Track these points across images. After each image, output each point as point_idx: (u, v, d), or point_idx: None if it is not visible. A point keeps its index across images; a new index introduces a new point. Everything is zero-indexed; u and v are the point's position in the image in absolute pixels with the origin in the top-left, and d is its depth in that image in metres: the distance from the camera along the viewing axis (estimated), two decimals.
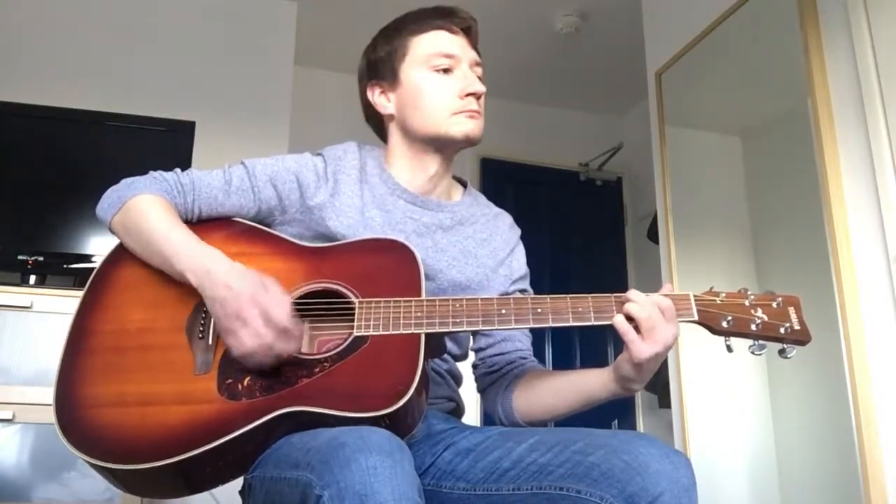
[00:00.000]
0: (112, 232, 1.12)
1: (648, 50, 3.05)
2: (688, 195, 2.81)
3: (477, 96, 1.18)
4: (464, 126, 1.17)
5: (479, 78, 1.21)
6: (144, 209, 1.08)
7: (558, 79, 4.12)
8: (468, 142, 1.18)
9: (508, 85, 4.03)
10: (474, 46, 1.23)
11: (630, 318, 1.00)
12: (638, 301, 1.00)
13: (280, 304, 0.96)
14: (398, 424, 0.92)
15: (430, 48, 1.19)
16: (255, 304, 0.95)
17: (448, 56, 1.18)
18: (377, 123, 1.28)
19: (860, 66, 2.01)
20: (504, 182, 4.09)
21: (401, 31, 1.21)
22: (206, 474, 0.97)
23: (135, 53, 3.06)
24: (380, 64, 1.22)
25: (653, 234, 3.25)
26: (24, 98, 2.58)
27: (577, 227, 4.31)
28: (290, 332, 0.96)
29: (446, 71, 1.18)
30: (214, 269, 1.00)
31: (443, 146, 1.20)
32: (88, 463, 0.93)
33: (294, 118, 3.29)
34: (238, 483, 1.03)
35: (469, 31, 1.22)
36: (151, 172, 1.15)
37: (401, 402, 0.91)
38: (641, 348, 0.98)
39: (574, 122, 4.48)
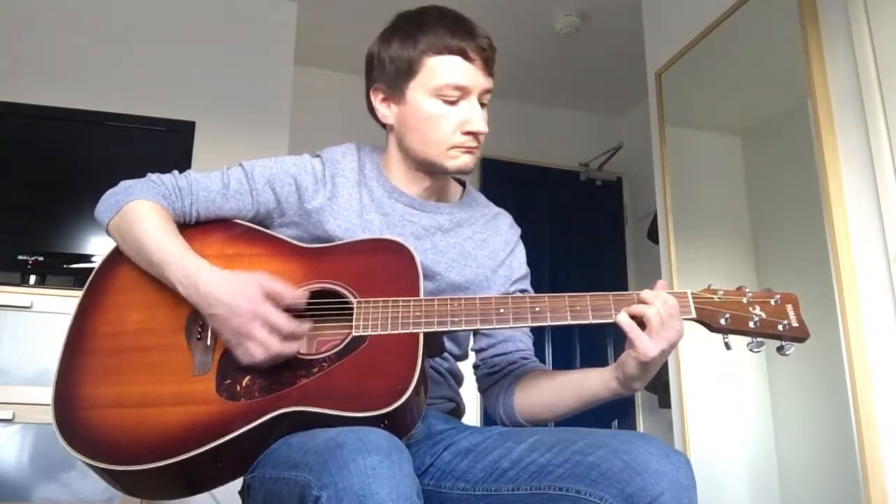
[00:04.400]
0: (109, 235, 1.13)
1: (648, 50, 3.05)
2: (688, 195, 2.81)
3: (477, 135, 1.15)
4: (458, 161, 1.15)
5: (485, 105, 1.16)
6: (139, 215, 1.08)
7: (558, 79, 4.12)
8: (460, 174, 1.18)
9: (508, 85, 4.03)
10: (489, 71, 1.16)
11: (633, 315, 1.00)
12: (647, 299, 1.00)
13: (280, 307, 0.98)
14: (397, 423, 0.92)
15: (442, 77, 1.12)
16: (255, 317, 0.96)
17: (458, 88, 1.12)
18: (378, 119, 1.26)
19: (860, 66, 2.01)
20: (504, 182, 4.09)
21: (416, 41, 1.13)
22: (205, 475, 0.97)
23: (135, 53, 3.06)
24: (387, 68, 1.16)
25: (653, 234, 3.25)
26: (24, 98, 2.58)
27: (577, 227, 4.31)
28: (294, 334, 0.97)
29: (454, 102, 1.13)
30: (204, 286, 1.00)
31: (434, 171, 1.19)
32: (87, 464, 0.93)
33: (294, 118, 3.29)
34: (238, 483, 1.03)
35: (486, 57, 1.15)
36: (149, 175, 1.15)
37: (400, 401, 0.91)
38: (648, 345, 0.97)
39: (574, 122, 4.47)
